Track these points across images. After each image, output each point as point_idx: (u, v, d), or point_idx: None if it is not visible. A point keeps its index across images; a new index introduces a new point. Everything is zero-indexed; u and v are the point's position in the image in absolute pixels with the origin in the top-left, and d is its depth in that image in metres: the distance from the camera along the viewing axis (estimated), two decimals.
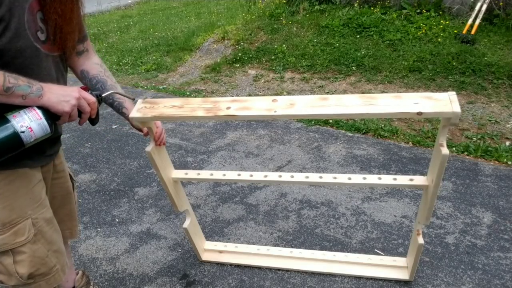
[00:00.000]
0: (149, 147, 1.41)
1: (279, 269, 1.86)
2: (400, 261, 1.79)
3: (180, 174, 1.61)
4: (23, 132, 0.95)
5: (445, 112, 1.09)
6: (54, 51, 1.08)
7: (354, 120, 3.33)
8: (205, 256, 1.94)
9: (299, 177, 1.52)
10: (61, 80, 1.14)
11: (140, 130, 1.41)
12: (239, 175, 1.60)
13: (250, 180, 1.59)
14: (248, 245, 2.00)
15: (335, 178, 1.46)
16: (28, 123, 0.95)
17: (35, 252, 1.14)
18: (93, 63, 1.31)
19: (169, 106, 1.31)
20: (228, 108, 1.26)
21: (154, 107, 1.32)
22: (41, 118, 0.97)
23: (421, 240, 1.52)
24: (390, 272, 1.76)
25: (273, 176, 1.56)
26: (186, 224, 1.76)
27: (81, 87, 1.09)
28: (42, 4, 0.99)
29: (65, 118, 1.02)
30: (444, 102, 1.12)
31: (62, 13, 1.03)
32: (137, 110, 1.32)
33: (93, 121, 1.13)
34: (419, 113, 1.10)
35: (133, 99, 1.35)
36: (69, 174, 1.39)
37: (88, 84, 1.31)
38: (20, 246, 1.10)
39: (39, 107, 0.98)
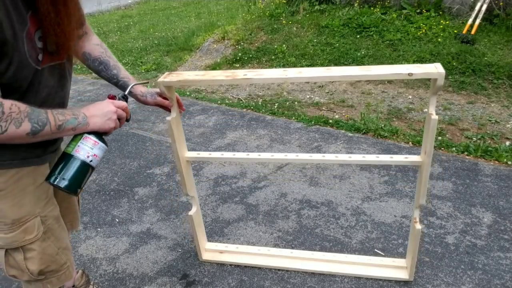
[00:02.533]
0: (170, 116, 1.53)
1: (279, 269, 1.86)
2: (400, 261, 1.79)
3: (193, 154, 1.72)
4: (91, 161, 1.10)
5: (432, 73, 1.26)
6: (54, 61, 1.07)
7: (354, 120, 3.33)
8: (206, 256, 1.94)
9: (304, 156, 1.64)
10: (63, 81, 1.13)
11: (160, 105, 1.49)
12: (248, 155, 1.72)
13: (258, 159, 1.72)
14: (248, 246, 2.00)
15: (336, 156, 1.61)
16: (91, 152, 1.09)
17: (45, 249, 1.15)
18: (94, 45, 1.32)
19: (193, 75, 1.50)
20: (245, 74, 1.43)
21: (179, 75, 1.49)
22: (98, 143, 1.11)
23: (418, 226, 1.56)
24: (390, 272, 1.76)
25: (279, 156, 1.68)
26: (192, 212, 1.79)
27: (108, 97, 1.19)
28: (39, 25, 0.97)
29: (110, 131, 1.14)
30: (431, 68, 1.30)
31: (62, 32, 1.01)
32: (164, 77, 1.46)
33: (128, 120, 1.24)
34: (410, 74, 1.27)
35: (147, 83, 1.45)
36: None
37: (91, 65, 1.34)
38: (30, 244, 1.11)
39: (89, 132, 1.09)
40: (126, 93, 1.27)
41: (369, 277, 1.76)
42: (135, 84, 1.35)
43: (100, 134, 1.12)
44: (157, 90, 1.48)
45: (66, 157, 1.08)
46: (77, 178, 1.08)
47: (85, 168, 1.09)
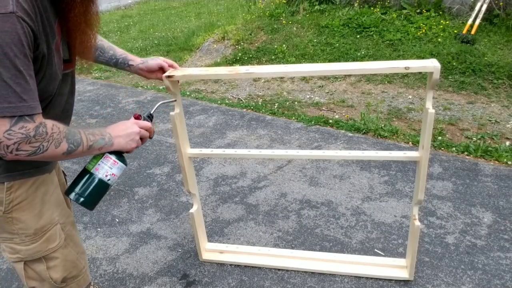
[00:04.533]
0: (174, 112, 1.56)
1: (279, 269, 1.86)
2: (400, 261, 1.79)
3: (195, 151, 1.75)
4: (109, 180, 1.13)
5: (428, 66, 1.31)
6: (69, 68, 1.08)
7: (354, 120, 3.33)
8: (206, 256, 1.95)
9: (304, 152, 1.67)
10: (73, 88, 1.15)
11: (161, 69, 1.48)
12: (249, 151, 1.74)
13: (260, 155, 1.73)
14: (249, 246, 2.00)
15: (336, 152, 1.65)
16: (110, 171, 1.12)
17: (67, 256, 1.16)
18: None
19: (197, 70, 1.55)
20: (247, 69, 1.47)
21: (184, 70, 1.54)
22: (117, 163, 1.13)
23: (418, 223, 1.57)
24: (390, 271, 1.76)
25: (280, 152, 1.70)
26: (193, 209, 1.80)
27: (134, 116, 1.22)
28: (62, 34, 0.99)
29: (132, 151, 1.17)
30: (427, 62, 1.36)
31: (87, 41, 1.04)
32: (168, 72, 1.50)
33: (150, 137, 1.26)
34: (407, 68, 1.31)
35: (175, 100, 1.48)
36: (62, 171, 1.41)
37: None
38: (53, 252, 1.12)
39: (110, 151, 1.12)
40: (152, 112, 1.29)
41: (369, 277, 1.76)
42: (161, 104, 1.40)
43: (120, 153, 1.15)
44: (161, 58, 1.50)
45: (86, 175, 1.11)
46: (95, 195, 1.12)
47: (103, 187, 1.12)
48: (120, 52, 1.39)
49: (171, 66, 1.51)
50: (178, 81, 1.56)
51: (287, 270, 1.85)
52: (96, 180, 1.11)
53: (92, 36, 1.06)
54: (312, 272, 1.83)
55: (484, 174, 2.46)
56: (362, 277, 1.77)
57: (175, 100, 1.48)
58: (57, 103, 1.04)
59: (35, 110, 0.88)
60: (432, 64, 1.31)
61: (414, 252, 1.64)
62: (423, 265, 1.82)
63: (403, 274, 1.74)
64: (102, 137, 1.07)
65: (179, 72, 1.50)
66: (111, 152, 1.12)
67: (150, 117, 1.27)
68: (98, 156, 1.12)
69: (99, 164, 1.11)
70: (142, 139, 1.18)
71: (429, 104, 1.37)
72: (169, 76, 1.50)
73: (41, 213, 1.08)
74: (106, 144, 1.08)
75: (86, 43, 1.05)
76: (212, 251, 1.97)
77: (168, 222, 2.27)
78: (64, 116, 1.12)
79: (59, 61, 0.98)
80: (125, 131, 1.13)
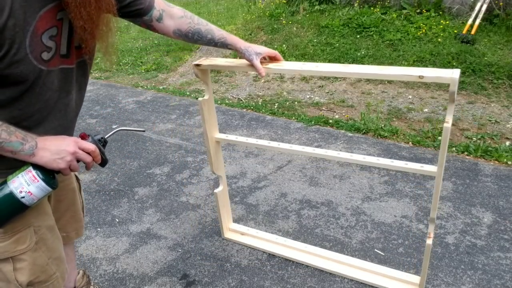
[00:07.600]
0: (203, 98, 1.69)
1: (279, 269, 1.86)
2: (413, 278, 1.71)
3: (222, 136, 1.87)
4: (23, 197, 0.96)
5: (444, 77, 1.20)
6: (63, 64, 1.03)
7: (354, 120, 3.33)
8: (228, 235, 2.07)
9: (320, 151, 1.69)
10: (68, 87, 1.09)
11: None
12: (269, 143, 1.83)
13: (277, 148, 1.80)
14: (267, 233, 2.07)
15: (351, 156, 1.62)
16: (26, 188, 0.96)
17: (36, 260, 1.12)
18: (179, 18, 1.34)
19: (223, 61, 1.66)
20: (266, 64, 1.54)
21: (212, 60, 1.67)
22: (38, 181, 0.96)
23: (429, 241, 1.49)
24: (402, 286, 1.70)
25: (296, 147, 1.75)
26: (218, 190, 1.91)
27: (80, 135, 1.07)
28: (55, 23, 0.94)
29: (65, 172, 1.02)
30: (445, 72, 1.23)
31: (89, 17, 0.95)
32: (198, 61, 1.64)
33: (101, 164, 1.12)
34: (421, 77, 1.22)
35: (143, 131, 1.39)
36: (75, 175, 1.38)
37: (186, 39, 1.40)
38: (21, 254, 1.08)
39: (36, 166, 0.97)
40: (106, 137, 1.13)
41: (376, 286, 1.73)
42: (120, 130, 1.26)
43: (49, 172, 0.99)
44: (260, 51, 1.50)
45: (1, 185, 0.97)
46: (2, 211, 0.96)
47: (13, 203, 0.96)
48: (218, 35, 1.43)
49: (272, 58, 1.54)
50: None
51: (287, 270, 1.85)
52: (7, 193, 0.95)
53: (95, 21, 0.96)
54: (313, 272, 1.83)
55: (484, 174, 2.46)
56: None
57: (144, 131, 1.37)
58: (43, 97, 0.99)
59: None
60: (450, 75, 1.18)
61: (425, 272, 1.58)
62: None
63: None
64: (22, 142, 0.93)
65: (207, 62, 1.64)
66: (36, 167, 0.97)
67: (101, 141, 1.10)
68: (23, 167, 0.98)
69: (17, 176, 0.97)
70: (86, 163, 1.06)
71: (448, 118, 1.25)
72: (197, 65, 1.63)
73: None
74: (23, 151, 0.94)
75: (88, 30, 0.95)
76: (234, 231, 2.10)
77: (168, 222, 2.27)
78: (58, 115, 1.07)
79: (34, 46, 0.91)
80: (57, 146, 0.99)
